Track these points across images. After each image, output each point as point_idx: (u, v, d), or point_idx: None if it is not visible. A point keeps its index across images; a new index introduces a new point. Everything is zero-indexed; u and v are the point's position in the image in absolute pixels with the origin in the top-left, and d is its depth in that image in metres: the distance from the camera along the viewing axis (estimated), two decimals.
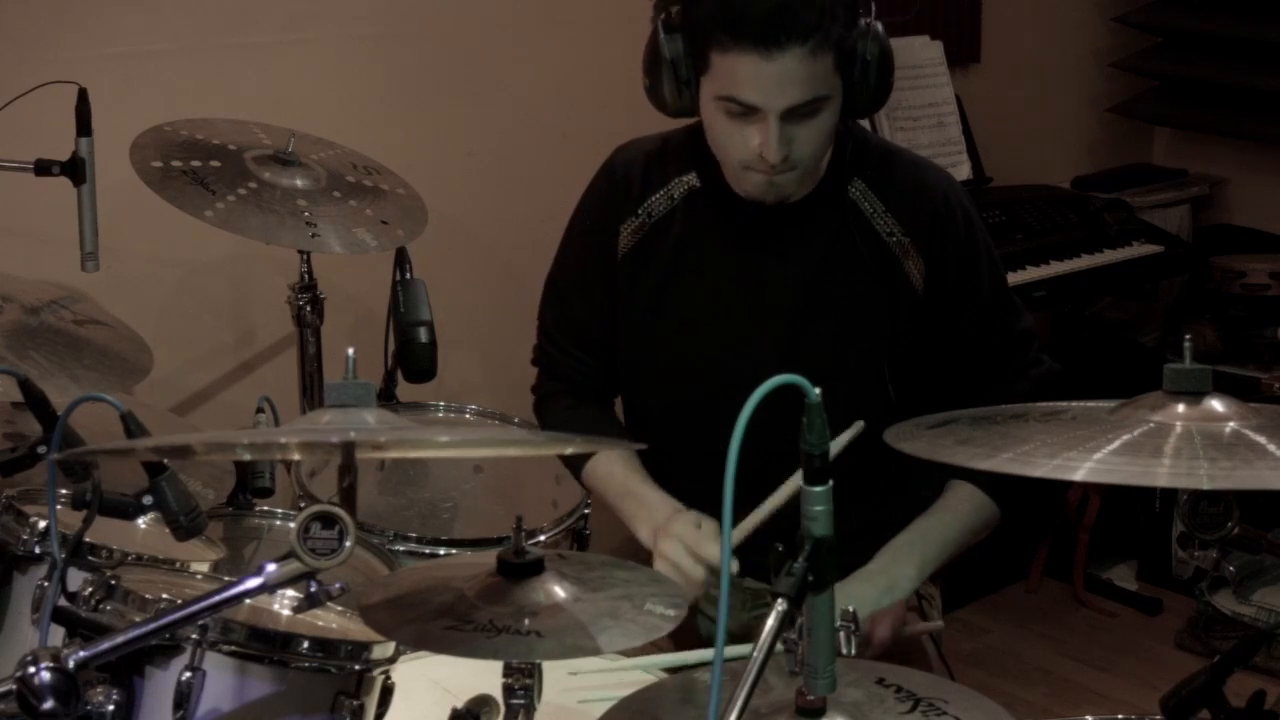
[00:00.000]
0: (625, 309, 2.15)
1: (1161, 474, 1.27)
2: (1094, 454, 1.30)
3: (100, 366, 2.09)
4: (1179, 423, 1.35)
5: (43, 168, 2.26)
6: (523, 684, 1.52)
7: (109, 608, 1.51)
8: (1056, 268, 3.74)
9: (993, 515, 2.09)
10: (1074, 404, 1.52)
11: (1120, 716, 1.96)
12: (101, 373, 2.07)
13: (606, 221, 2.15)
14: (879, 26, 1.94)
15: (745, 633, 2.04)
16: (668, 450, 2.13)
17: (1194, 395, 1.38)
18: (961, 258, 2.09)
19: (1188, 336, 1.47)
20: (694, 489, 2.08)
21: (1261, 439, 1.32)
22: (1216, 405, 1.38)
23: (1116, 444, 1.31)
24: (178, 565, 1.75)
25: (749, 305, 2.08)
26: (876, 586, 1.97)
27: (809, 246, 2.06)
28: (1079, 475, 1.28)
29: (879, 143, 2.19)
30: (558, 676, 1.64)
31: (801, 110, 1.89)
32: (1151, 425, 1.35)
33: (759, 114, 1.89)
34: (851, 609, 1.41)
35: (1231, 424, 1.35)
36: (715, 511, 1.88)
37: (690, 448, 2.12)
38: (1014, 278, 3.63)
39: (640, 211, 2.12)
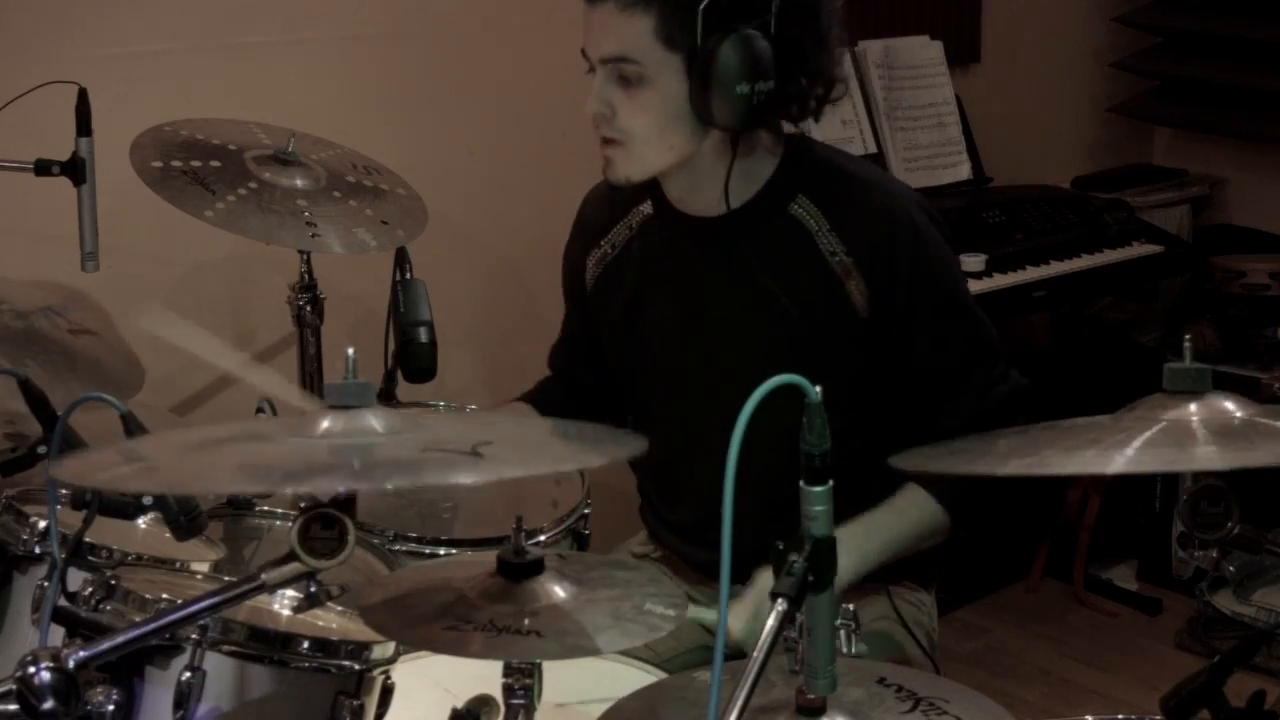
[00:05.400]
0: (603, 330, 2.22)
1: (1202, 457, 1.26)
2: (1124, 449, 1.29)
3: (92, 380, 2.09)
4: (1193, 418, 1.35)
5: (43, 168, 2.27)
6: (523, 684, 1.53)
7: (109, 608, 1.51)
8: (1056, 268, 3.74)
9: (942, 524, 2.04)
10: (1077, 420, 1.50)
11: (1120, 716, 1.96)
12: (94, 388, 2.07)
13: (576, 257, 2.23)
14: (756, 41, 1.86)
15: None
16: (660, 465, 2.14)
17: (1194, 395, 1.38)
18: (912, 277, 2.01)
19: (1188, 336, 1.46)
20: (683, 509, 2.13)
21: (1276, 422, 1.32)
22: (1222, 402, 1.38)
23: (1139, 441, 1.31)
24: (178, 565, 1.75)
25: (700, 326, 2.09)
26: None
27: (752, 265, 2.03)
28: (1114, 468, 1.27)
29: (834, 159, 2.11)
30: (558, 676, 1.63)
31: (623, 71, 1.92)
32: (1165, 423, 1.35)
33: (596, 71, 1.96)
34: (852, 608, 1.41)
35: (1240, 415, 1.35)
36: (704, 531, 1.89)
37: (674, 465, 2.13)
38: (1014, 278, 3.63)
39: (604, 243, 2.19)
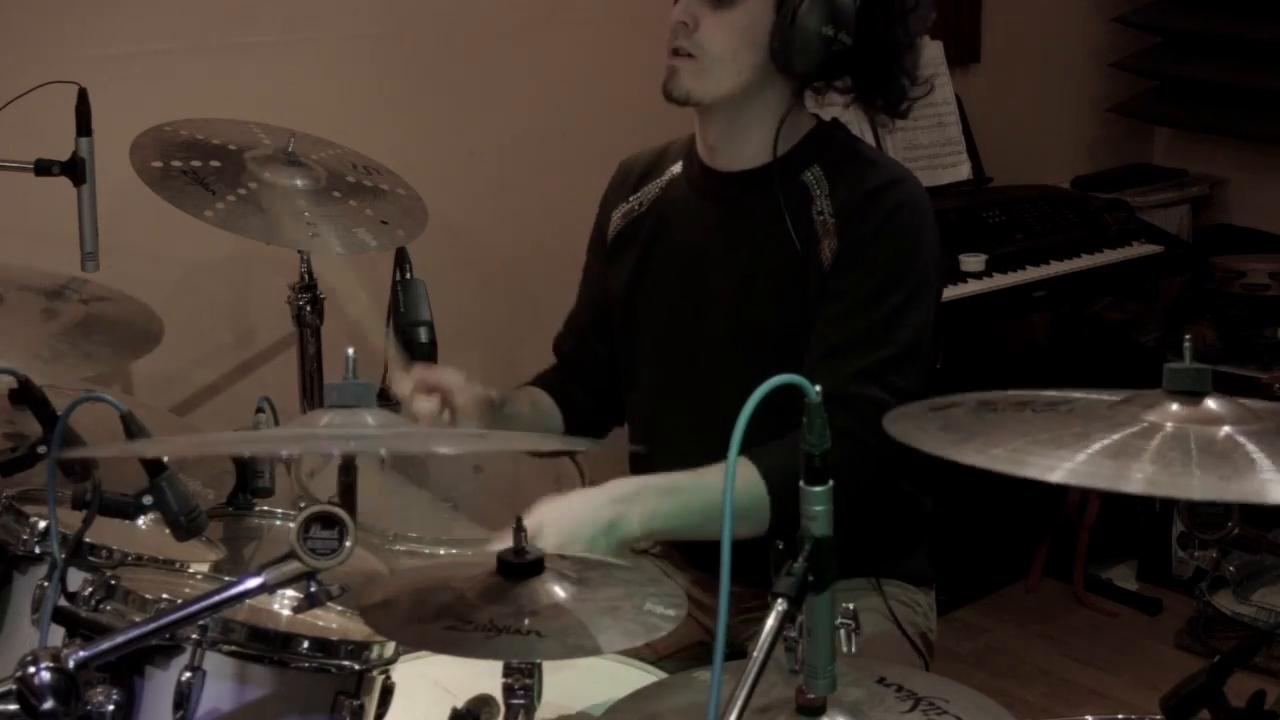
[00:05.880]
0: (612, 290, 2.22)
1: (1138, 480, 1.23)
2: (1076, 455, 1.27)
3: (113, 337, 2.09)
4: (1170, 423, 1.33)
5: (43, 168, 2.27)
6: (523, 684, 1.52)
7: (109, 608, 1.51)
8: (1056, 268, 3.74)
9: (760, 513, 1.88)
10: (1081, 400, 1.49)
11: (1120, 716, 1.96)
12: (114, 346, 2.08)
13: (604, 211, 2.27)
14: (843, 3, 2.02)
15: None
16: (653, 440, 2.14)
17: (1193, 395, 1.37)
18: (870, 240, 2.00)
19: (1188, 336, 1.46)
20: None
21: (1256, 449, 1.29)
22: (1217, 409, 1.36)
23: (1096, 446, 1.28)
24: (178, 565, 1.75)
25: (702, 282, 2.12)
26: (598, 521, 1.84)
27: (754, 223, 2.08)
28: (1056, 477, 1.24)
29: (854, 143, 2.15)
30: (558, 677, 1.64)
31: None
32: (1146, 425, 1.34)
33: None
34: (852, 607, 1.40)
35: (1227, 428, 1.33)
36: None
37: (665, 433, 2.13)
38: (1014, 278, 3.64)
39: (632, 199, 2.22)
